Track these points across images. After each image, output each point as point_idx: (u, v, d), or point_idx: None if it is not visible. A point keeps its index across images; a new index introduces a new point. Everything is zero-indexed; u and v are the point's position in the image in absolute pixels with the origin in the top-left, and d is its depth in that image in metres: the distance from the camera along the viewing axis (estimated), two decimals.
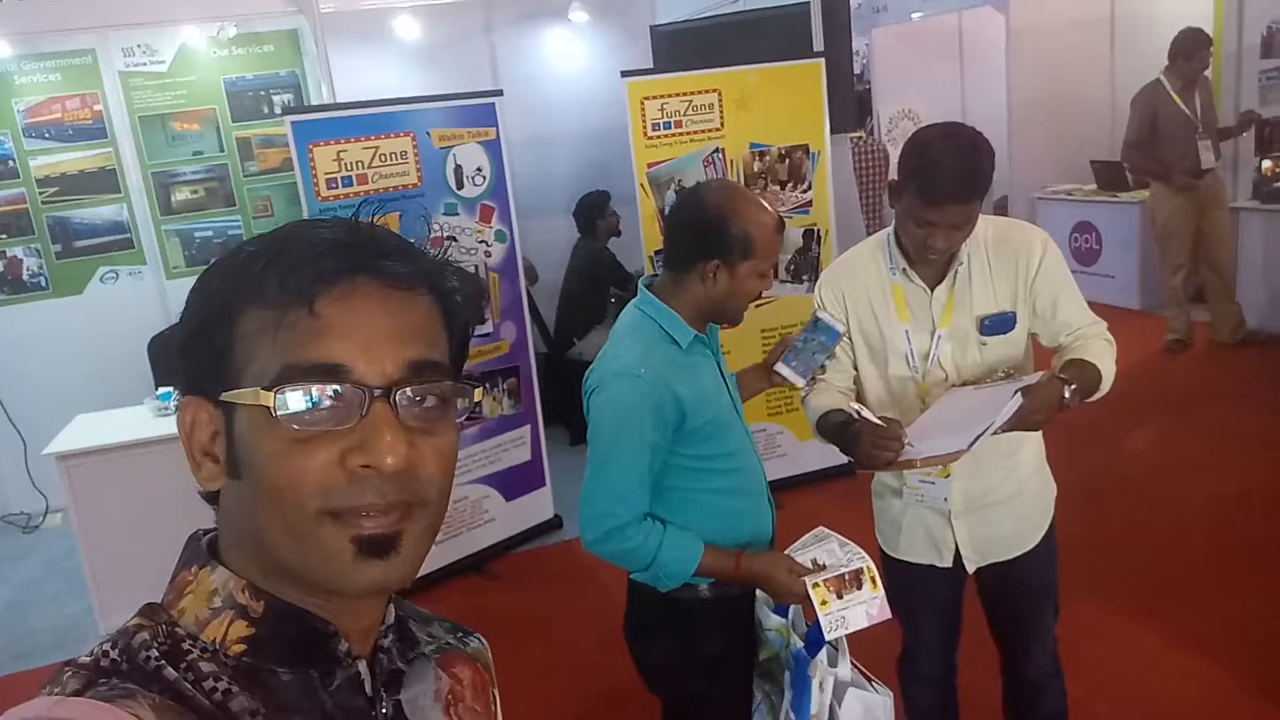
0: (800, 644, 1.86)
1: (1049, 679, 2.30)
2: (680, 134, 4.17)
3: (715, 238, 1.82)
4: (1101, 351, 2.01)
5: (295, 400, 0.62)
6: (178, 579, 0.69)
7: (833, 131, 4.38)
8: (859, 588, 1.80)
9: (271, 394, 0.62)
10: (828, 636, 1.77)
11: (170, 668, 0.62)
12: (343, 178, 3.65)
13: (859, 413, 1.94)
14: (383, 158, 3.72)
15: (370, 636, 0.73)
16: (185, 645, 0.64)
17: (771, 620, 1.95)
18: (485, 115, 3.95)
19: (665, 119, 4.14)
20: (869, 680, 1.86)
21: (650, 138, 4.13)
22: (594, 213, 5.53)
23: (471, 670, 0.81)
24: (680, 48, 4.69)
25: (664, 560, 1.82)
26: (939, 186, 1.84)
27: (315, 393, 0.62)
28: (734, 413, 1.98)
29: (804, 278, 4.46)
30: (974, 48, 8.90)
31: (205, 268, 0.70)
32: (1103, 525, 3.85)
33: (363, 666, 0.71)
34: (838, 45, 4.36)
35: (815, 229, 4.43)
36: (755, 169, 4.29)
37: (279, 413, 0.62)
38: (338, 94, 4.37)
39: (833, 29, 4.31)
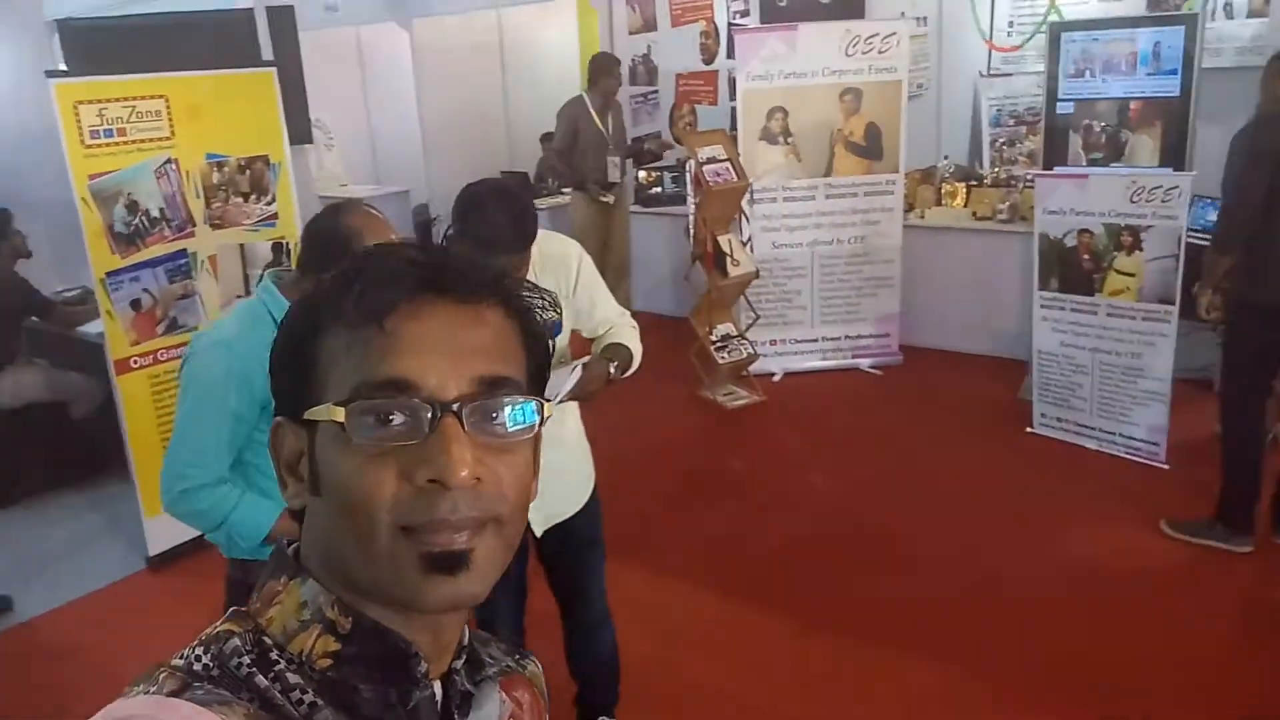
0: None
1: (606, 619, 2.67)
2: (125, 143, 3.75)
3: (341, 255, 1.85)
4: (630, 335, 2.43)
5: (365, 415, 0.64)
6: (266, 588, 0.70)
7: (291, 142, 4.30)
8: None
9: (343, 410, 0.64)
10: None
11: (261, 675, 0.64)
12: None
13: None
14: None
15: (445, 657, 0.73)
16: (273, 655, 0.66)
17: None
18: None
19: (106, 126, 3.69)
20: None
21: (89, 146, 3.66)
22: None
23: (530, 694, 0.82)
24: (100, 47, 4.19)
25: (236, 520, 1.92)
26: (500, 244, 2.05)
27: (384, 408, 0.64)
28: None
29: None
30: (375, 61, 9.18)
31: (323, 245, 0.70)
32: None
33: (438, 688, 0.72)
34: (287, 54, 4.28)
35: (284, 242, 4.31)
36: (215, 180, 4.04)
37: (350, 428, 0.64)
38: None
39: (281, 38, 4.21)
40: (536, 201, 7.72)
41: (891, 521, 4.12)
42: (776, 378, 5.79)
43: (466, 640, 0.76)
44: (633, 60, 7.14)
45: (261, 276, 4.20)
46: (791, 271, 5.77)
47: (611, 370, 2.28)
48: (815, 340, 5.88)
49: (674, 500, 4.47)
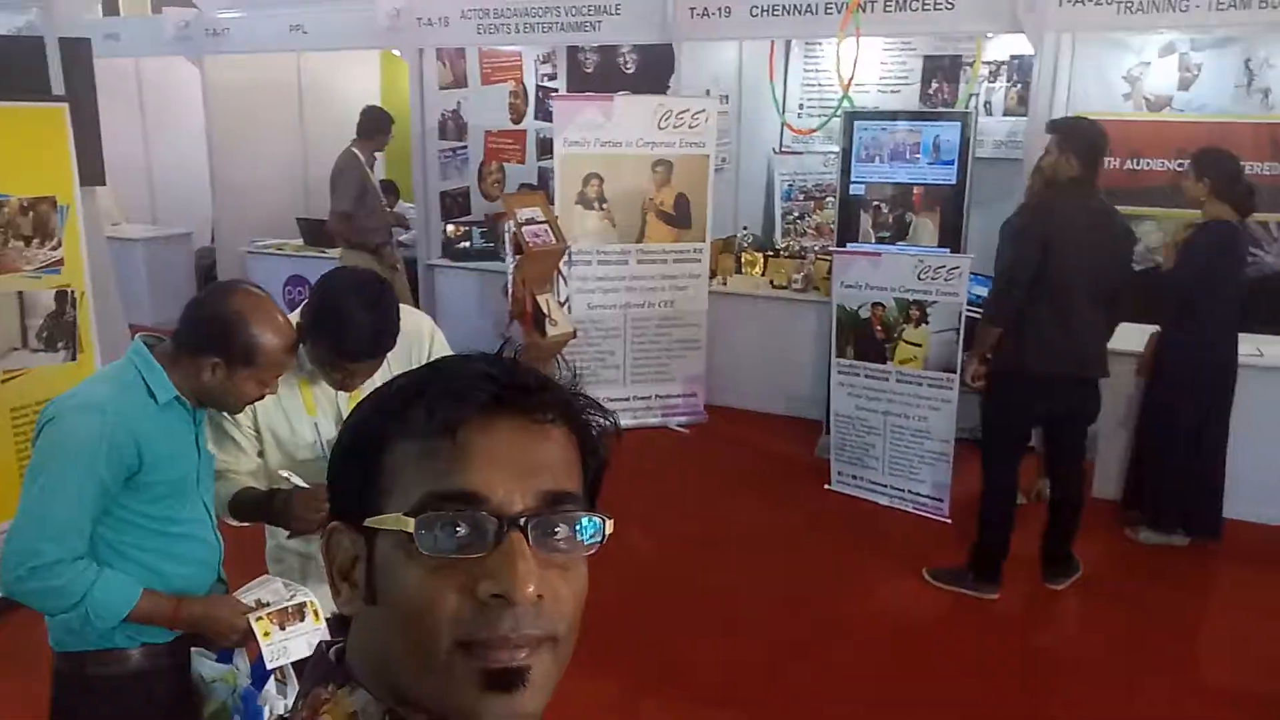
0: (248, 682, 1.91)
1: None
2: None
3: (224, 339, 1.82)
4: None
5: (433, 526, 0.63)
6: (312, 695, 0.68)
7: (82, 184, 3.96)
8: (302, 619, 1.93)
9: (412, 520, 0.63)
10: (270, 665, 1.87)
11: None
12: None
13: (290, 478, 2.04)
14: None
15: None
16: None
17: (213, 670, 1.93)
18: None
19: None
20: None
21: None
22: None
23: None
24: None
25: (96, 598, 1.75)
26: (361, 348, 2.00)
27: (452, 519, 0.64)
28: (195, 487, 1.94)
29: (59, 345, 3.93)
30: (157, 96, 8.61)
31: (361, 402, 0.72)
32: None
33: None
34: (82, 89, 3.96)
35: (70, 290, 3.95)
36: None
37: (418, 538, 0.63)
38: None
39: (75, 71, 3.90)
40: (331, 251, 7.45)
41: (707, 579, 4.25)
42: None
43: None
44: (443, 115, 7.10)
45: (47, 326, 3.84)
46: (605, 332, 5.88)
47: None
48: (628, 399, 6.00)
49: None
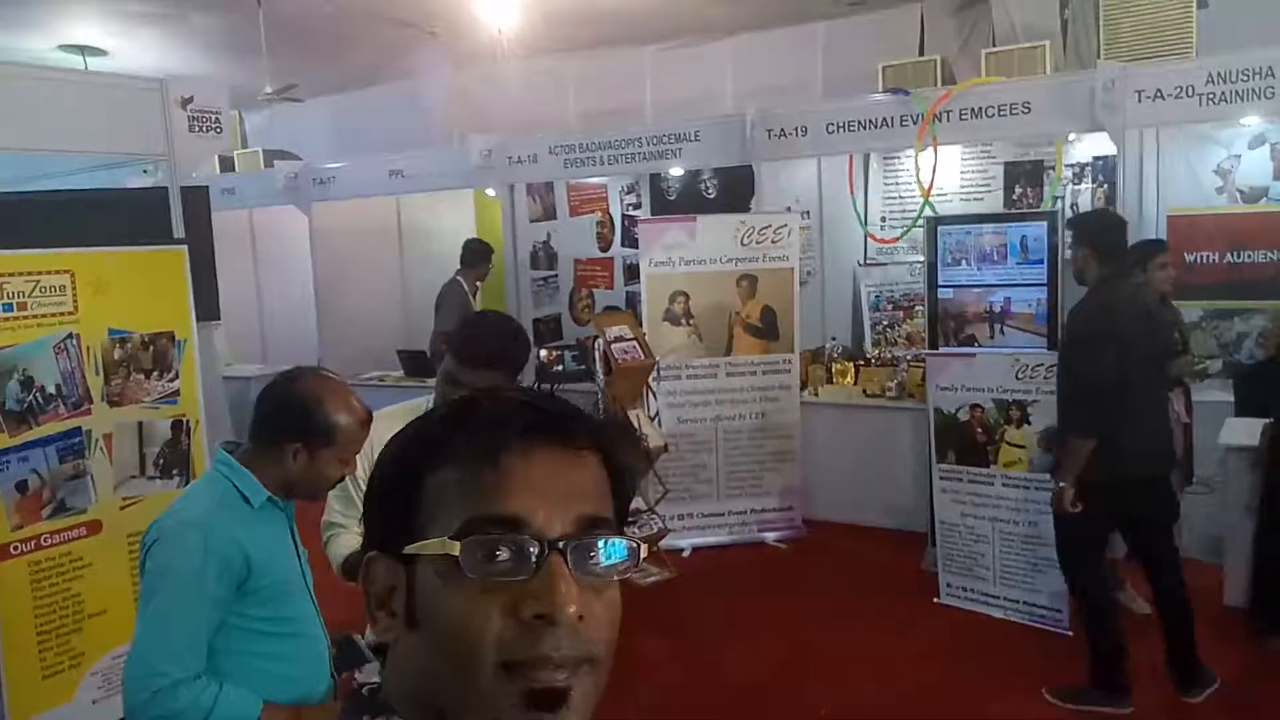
0: None
1: None
2: (25, 317, 3.60)
3: (302, 422, 1.88)
4: None
5: (478, 549, 0.65)
6: None
7: (199, 319, 4.21)
8: None
9: (457, 543, 0.65)
10: None
11: None
12: None
13: None
14: None
15: None
16: None
17: None
18: None
19: (6, 300, 3.55)
20: None
21: None
22: None
23: None
24: (7, 220, 4.08)
25: (220, 716, 1.75)
26: (480, 349, 2.15)
27: (494, 543, 0.65)
28: (302, 581, 1.99)
29: (174, 472, 4.10)
30: (269, 243, 9.18)
31: (398, 434, 0.73)
32: None
33: None
34: (200, 233, 4.25)
35: (185, 419, 4.14)
36: (116, 356, 3.89)
37: (464, 561, 0.65)
38: None
39: (194, 217, 4.20)
40: (430, 380, 7.68)
41: (811, 699, 4.06)
42: (685, 553, 5.76)
43: None
44: (534, 246, 7.39)
45: (163, 454, 4.03)
46: (697, 446, 5.86)
47: None
48: (722, 514, 5.92)
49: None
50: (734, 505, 5.93)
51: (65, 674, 3.69)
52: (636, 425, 5.36)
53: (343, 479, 1.99)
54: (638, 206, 7.50)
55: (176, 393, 4.14)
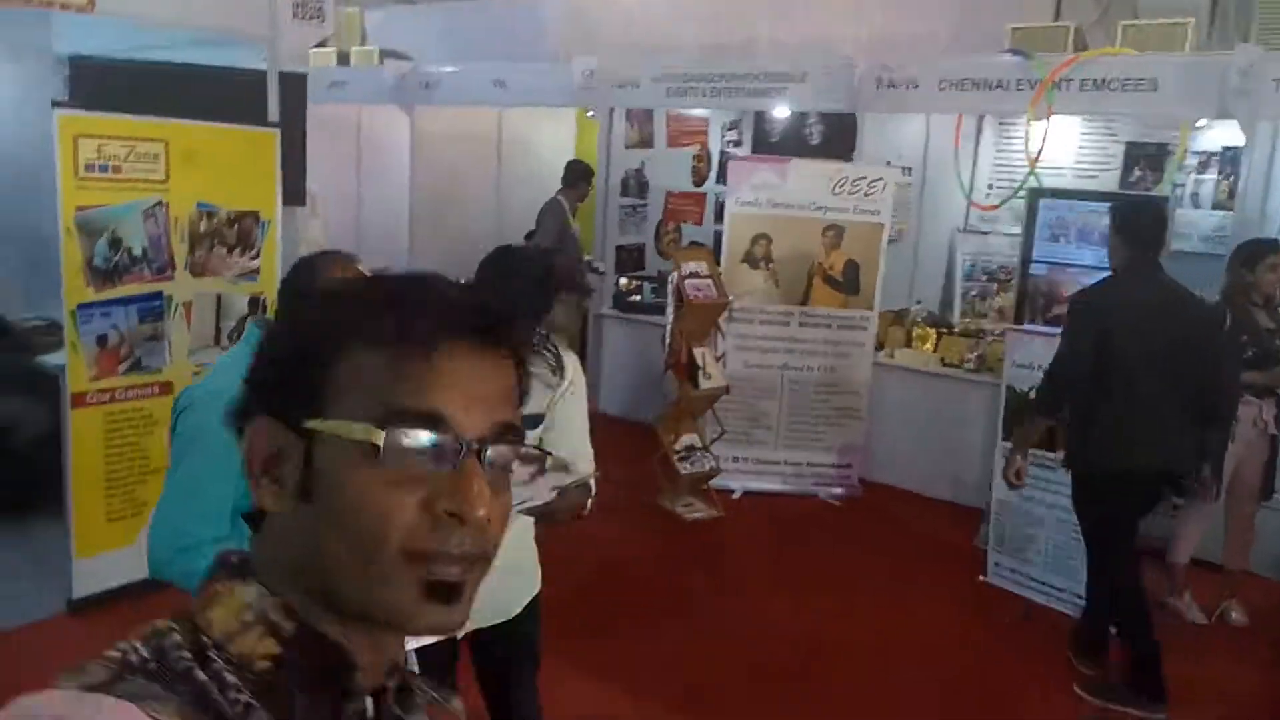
0: None
1: None
2: (119, 180, 3.74)
3: None
4: (589, 478, 2.32)
5: (402, 441, 0.65)
6: (207, 589, 0.69)
7: (285, 203, 4.31)
8: None
9: (381, 433, 0.65)
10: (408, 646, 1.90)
11: (200, 671, 0.63)
12: None
13: None
14: None
15: (379, 675, 0.72)
16: (210, 654, 0.65)
17: None
18: None
19: (102, 161, 3.69)
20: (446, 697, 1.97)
21: (82, 179, 3.64)
22: None
23: None
24: (110, 87, 4.21)
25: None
26: (513, 306, 2.06)
27: (421, 437, 0.66)
28: None
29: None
30: (373, 139, 9.32)
31: (300, 296, 0.68)
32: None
33: (370, 704, 0.70)
34: (294, 119, 4.33)
35: (261, 297, 4.28)
36: (202, 229, 4.03)
37: (385, 451, 0.65)
38: None
39: (289, 102, 4.27)
40: None
41: (843, 661, 4.04)
42: (736, 495, 5.76)
43: (403, 663, 0.76)
44: (626, 173, 7.34)
45: (241, 327, 4.18)
46: (761, 392, 5.81)
47: (589, 505, 2.23)
48: (778, 463, 5.88)
49: (623, 612, 4.36)
50: (791, 456, 5.88)
51: (127, 521, 3.90)
52: (700, 363, 5.34)
53: None
54: (738, 144, 7.36)
55: (256, 271, 4.27)
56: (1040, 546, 4.61)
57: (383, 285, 0.71)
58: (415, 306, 0.69)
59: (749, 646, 4.10)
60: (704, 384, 5.35)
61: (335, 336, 0.68)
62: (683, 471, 5.41)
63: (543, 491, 2.07)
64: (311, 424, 0.67)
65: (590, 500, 2.24)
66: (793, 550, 5.16)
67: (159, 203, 3.89)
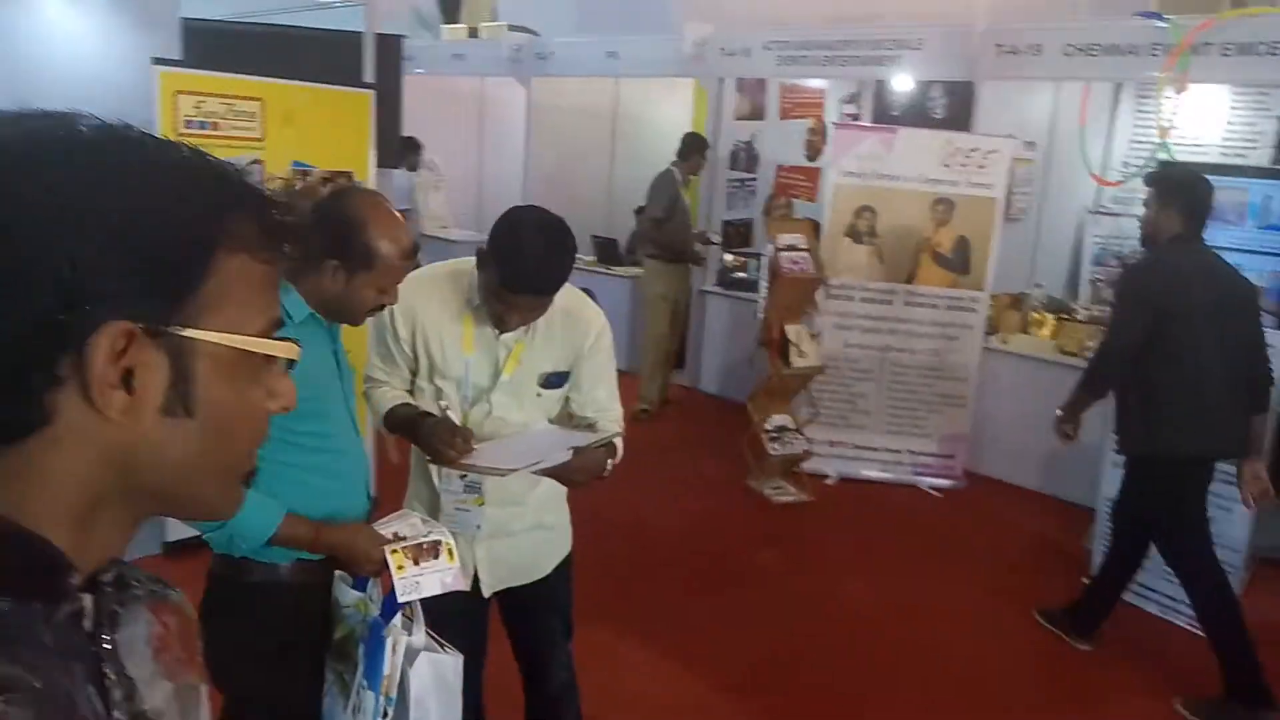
0: (377, 613, 1.89)
1: (566, 691, 2.50)
2: (217, 137, 3.87)
3: (344, 241, 1.84)
4: (617, 435, 2.24)
5: (287, 354, 0.70)
6: None
7: (379, 165, 4.38)
8: (435, 557, 1.91)
9: (295, 346, 0.70)
10: (401, 599, 1.85)
11: None
12: None
13: (445, 409, 2.10)
14: None
15: (94, 571, 0.67)
16: None
17: (349, 596, 1.94)
18: None
19: (201, 118, 3.82)
20: (441, 646, 1.93)
21: (180, 135, 3.77)
22: None
23: (177, 618, 0.77)
24: (217, 48, 4.37)
25: (241, 521, 1.79)
26: (525, 280, 1.97)
27: (293, 348, 0.71)
28: (342, 403, 1.99)
29: None
30: (494, 113, 9.46)
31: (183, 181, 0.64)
32: (607, 559, 4.23)
33: (88, 601, 0.65)
34: (390, 82, 4.39)
35: None
36: (297, 188, 4.12)
37: (286, 365, 0.70)
38: None
39: (386, 65, 4.33)
40: (617, 269, 7.75)
41: (921, 656, 3.84)
42: (830, 480, 5.57)
43: (118, 555, 0.71)
44: (735, 145, 7.17)
45: None
46: (860, 374, 5.59)
47: (610, 466, 2.14)
48: (876, 449, 5.66)
49: (697, 584, 4.28)
50: (890, 442, 5.65)
51: None
52: (794, 341, 5.18)
53: (381, 309, 1.96)
54: (857, 117, 7.09)
55: None
56: (1153, 553, 4.26)
57: (225, 178, 0.67)
58: (262, 207, 0.68)
59: (820, 630, 3.96)
60: (797, 362, 5.19)
61: (201, 241, 0.64)
62: (772, 452, 5.27)
63: (558, 452, 2.00)
64: (194, 334, 0.63)
65: (612, 462, 2.15)
66: (883, 540, 4.95)
67: (255, 161, 4.00)
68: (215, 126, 3.86)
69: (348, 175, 4.28)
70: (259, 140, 3.99)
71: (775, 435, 5.33)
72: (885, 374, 5.60)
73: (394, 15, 4.31)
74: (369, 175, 4.33)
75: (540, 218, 2.03)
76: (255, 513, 1.81)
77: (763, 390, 5.37)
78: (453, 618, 2.29)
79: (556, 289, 2.02)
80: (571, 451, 2.01)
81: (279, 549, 1.88)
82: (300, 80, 4.08)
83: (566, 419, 2.25)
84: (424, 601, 2.19)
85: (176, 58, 4.10)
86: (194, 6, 5.01)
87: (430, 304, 2.14)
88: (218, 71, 3.87)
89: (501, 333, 2.10)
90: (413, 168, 8.09)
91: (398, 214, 1.96)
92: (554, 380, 2.20)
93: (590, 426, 2.20)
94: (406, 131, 8.35)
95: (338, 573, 1.94)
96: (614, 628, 3.71)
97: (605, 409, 2.26)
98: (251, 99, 3.93)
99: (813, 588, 4.33)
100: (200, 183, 0.65)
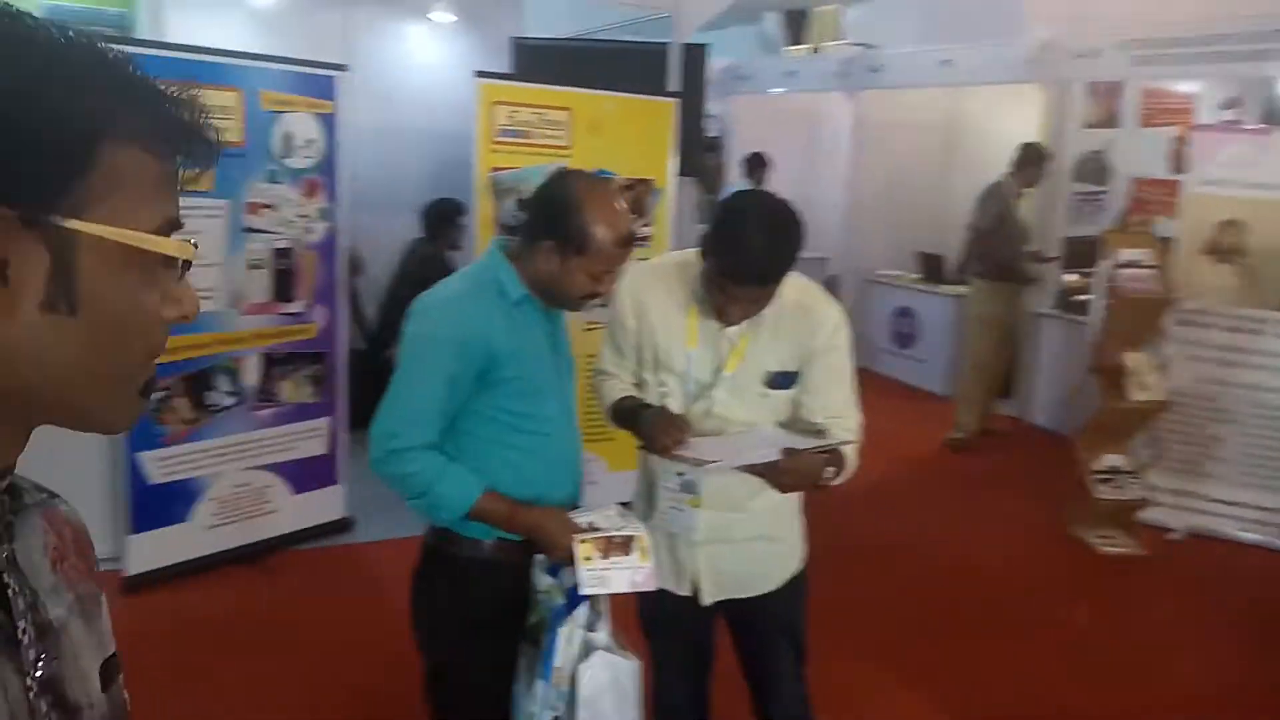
0: (563, 601, 1.84)
1: (799, 718, 2.29)
2: (527, 144, 4.11)
3: (559, 222, 1.82)
4: (851, 444, 2.04)
5: (184, 254, 0.65)
6: None
7: (681, 173, 4.43)
8: (627, 553, 1.83)
9: (190, 246, 0.65)
10: (583, 591, 1.79)
11: None
12: None
13: (665, 398, 2.05)
14: None
15: None
16: None
17: (544, 582, 1.91)
18: (323, 87, 3.78)
19: (514, 127, 4.07)
20: (623, 649, 1.85)
21: (496, 143, 4.05)
22: (444, 219, 5.38)
23: (71, 529, 0.75)
24: (541, 64, 4.66)
25: (441, 491, 1.82)
26: (744, 269, 1.85)
27: (189, 249, 0.66)
28: (558, 384, 1.98)
29: None
30: (823, 129, 9.30)
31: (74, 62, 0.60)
32: (856, 588, 3.93)
33: None
34: (693, 91, 4.43)
35: None
36: None
37: (182, 265, 0.65)
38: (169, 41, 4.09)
39: (691, 75, 4.38)
40: (943, 288, 7.28)
41: None
42: (1175, 535, 4.81)
43: (9, 465, 0.66)
44: (1082, 155, 6.47)
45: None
46: (1216, 414, 4.78)
47: (827, 474, 1.94)
48: (1236, 504, 4.81)
49: (985, 629, 3.84)
50: (1253, 497, 4.77)
51: None
52: (1135, 371, 4.53)
53: (595, 297, 1.90)
54: (1237, 124, 6.12)
55: (648, 238, 4.44)
56: None
57: (119, 67, 0.62)
58: (165, 101, 0.64)
59: (1133, 708, 3.38)
60: (1136, 396, 4.53)
61: (89, 129, 0.59)
62: (1099, 495, 4.64)
63: (766, 449, 1.84)
64: (75, 224, 0.58)
65: (836, 472, 1.95)
66: (1230, 613, 4.15)
67: (562, 168, 4.19)
68: (526, 135, 4.10)
69: (647, 183, 4.37)
70: (567, 148, 4.18)
71: (1106, 477, 4.70)
72: (1251, 418, 4.74)
73: (737, 40, 4.34)
74: (668, 182, 4.39)
75: (763, 202, 1.90)
76: (455, 484, 1.83)
77: (1094, 425, 4.75)
78: (671, 623, 2.21)
79: (779, 279, 1.87)
80: (781, 452, 1.85)
81: (481, 525, 1.89)
82: (609, 90, 4.23)
83: (800, 426, 2.09)
84: (643, 603, 2.12)
85: (503, 71, 4.42)
86: (543, 26, 5.42)
87: (656, 295, 2.07)
88: (534, 83, 4.11)
89: (725, 326, 1.99)
90: (759, 183, 8.11)
91: (619, 201, 1.91)
92: (781, 380, 2.04)
93: (820, 434, 2.01)
94: (744, 150, 8.50)
95: (537, 556, 1.91)
96: (874, 665, 3.43)
97: (838, 415, 2.06)
98: (561, 108, 4.13)
99: (1129, 655, 3.72)
100: (91, 69, 0.60)
